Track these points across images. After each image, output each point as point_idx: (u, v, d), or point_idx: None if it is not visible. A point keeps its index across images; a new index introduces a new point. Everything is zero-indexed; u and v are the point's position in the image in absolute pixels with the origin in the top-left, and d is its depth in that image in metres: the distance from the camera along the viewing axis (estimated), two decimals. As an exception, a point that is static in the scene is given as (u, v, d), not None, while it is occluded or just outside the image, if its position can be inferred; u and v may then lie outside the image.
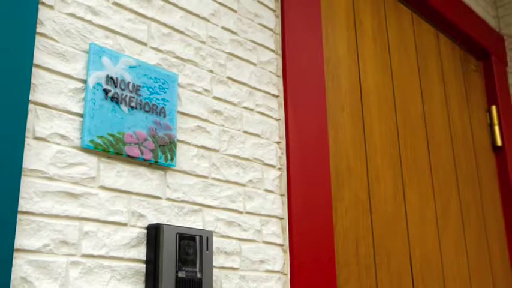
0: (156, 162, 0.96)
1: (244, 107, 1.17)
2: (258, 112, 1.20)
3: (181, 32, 1.08)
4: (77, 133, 0.87)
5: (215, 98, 1.11)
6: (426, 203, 1.70)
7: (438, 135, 1.86)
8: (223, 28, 1.17)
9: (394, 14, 1.82)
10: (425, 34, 1.95)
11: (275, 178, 1.20)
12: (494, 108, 2.20)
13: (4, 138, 0.77)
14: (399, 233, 1.55)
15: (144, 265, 0.91)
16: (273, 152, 1.21)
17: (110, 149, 0.90)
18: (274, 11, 1.32)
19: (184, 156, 1.02)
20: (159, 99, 0.99)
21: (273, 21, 1.30)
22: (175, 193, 0.99)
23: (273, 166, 1.20)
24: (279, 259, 1.15)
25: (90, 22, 0.93)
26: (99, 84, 0.91)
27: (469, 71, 2.17)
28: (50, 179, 0.82)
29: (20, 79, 0.80)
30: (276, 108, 1.25)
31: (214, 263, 1.02)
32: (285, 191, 1.21)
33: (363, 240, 1.42)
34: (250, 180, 1.14)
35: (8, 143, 0.77)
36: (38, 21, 0.86)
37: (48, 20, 0.87)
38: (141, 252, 0.91)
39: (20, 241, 0.77)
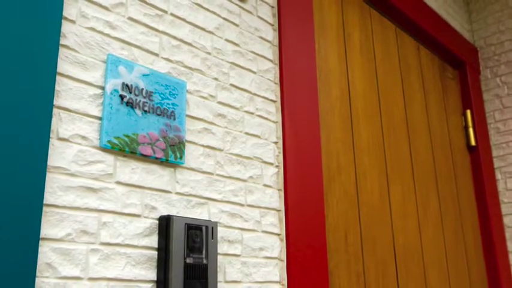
0: (167, 160, 0.96)
1: (246, 111, 1.17)
2: (258, 115, 1.20)
3: (189, 44, 1.08)
4: (96, 134, 0.87)
5: (219, 102, 1.11)
6: (408, 197, 1.70)
7: (419, 136, 1.86)
8: (227, 40, 1.17)
9: (380, 28, 1.82)
10: (407, 46, 1.95)
11: (273, 174, 1.20)
12: (468, 112, 2.20)
13: (31, 139, 0.77)
14: (384, 224, 1.56)
15: (156, 252, 0.91)
16: (271, 151, 1.21)
17: (125, 149, 0.90)
18: (272, 25, 1.32)
19: (192, 155, 1.02)
20: (169, 104, 0.99)
21: (271, 34, 1.30)
22: (184, 188, 0.99)
23: (271, 164, 1.20)
24: (277, 247, 1.15)
25: (108, 35, 0.93)
26: (115, 90, 0.91)
27: (446, 79, 2.18)
28: (72, 175, 0.82)
29: (45, 86, 0.80)
30: (273, 112, 1.25)
31: (219, 250, 1.02)
32: (281, 186, 1.21)
33: (351, 230, 1.42)
34: (251, 177, 1.14)
35: (35, 143, 0.77)
36: (61, 34, 0.86)
37: (70, 33, 0.87)
38: (153, 241, 0.91)
39: (45, 231, 0.77)
